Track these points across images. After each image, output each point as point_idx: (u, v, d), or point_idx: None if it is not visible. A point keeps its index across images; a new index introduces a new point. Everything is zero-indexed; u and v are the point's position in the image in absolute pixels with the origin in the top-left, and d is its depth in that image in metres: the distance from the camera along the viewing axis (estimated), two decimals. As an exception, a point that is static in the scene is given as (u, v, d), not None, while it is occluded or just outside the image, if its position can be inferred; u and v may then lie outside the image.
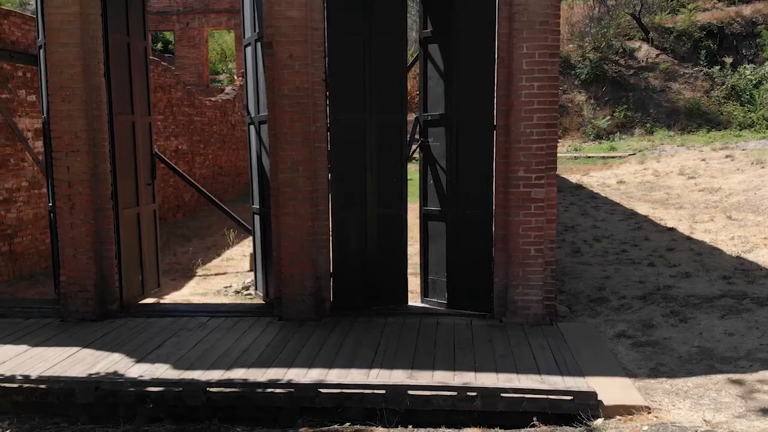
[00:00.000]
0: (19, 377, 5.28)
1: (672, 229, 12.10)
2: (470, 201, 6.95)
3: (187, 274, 10.29)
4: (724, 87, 25.64)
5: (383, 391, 5.03)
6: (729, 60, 25.72)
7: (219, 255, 12.06)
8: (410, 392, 4.99)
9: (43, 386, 5.23)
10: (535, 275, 6.62)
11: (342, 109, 6.95)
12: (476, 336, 6.33)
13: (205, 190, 10.76)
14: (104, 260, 7.16)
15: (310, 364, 5.63)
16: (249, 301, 8.23)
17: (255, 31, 7.27)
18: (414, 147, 7.45)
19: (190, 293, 9.13)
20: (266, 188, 7.41)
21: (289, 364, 5.64)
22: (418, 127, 7.37)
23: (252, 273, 10.58)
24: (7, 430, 5.12)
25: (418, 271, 7.57)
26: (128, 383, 5.19)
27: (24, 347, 6.25)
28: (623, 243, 10.98)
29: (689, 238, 11.32)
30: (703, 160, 19.50)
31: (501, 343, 6.11)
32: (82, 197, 7.00)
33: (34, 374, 5.41)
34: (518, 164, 6.52)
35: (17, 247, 10.00)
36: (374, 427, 4.88)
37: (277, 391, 5.11)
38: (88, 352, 6.06)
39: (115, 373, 5.50)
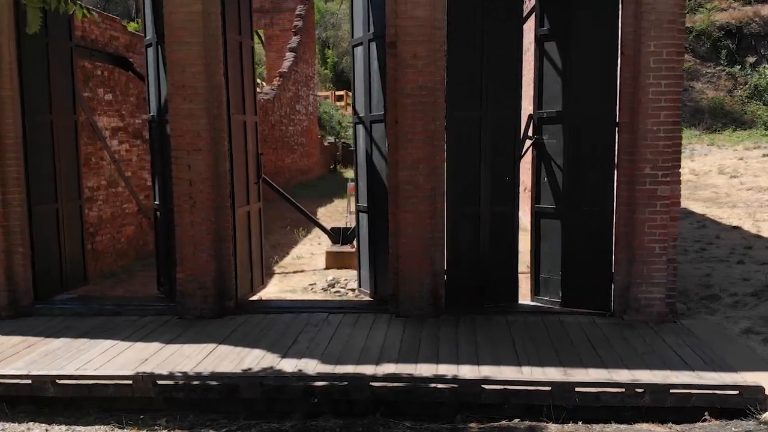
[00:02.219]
0: (179, 374, 5.32)
1: (737, 228, 12.14)
2: (588, 198, 6.98)
3: (266, 272, 10.35)
4: (747, 86, 25.69)
5: (549, 388, 5.08)
6: (751, 60, 25.81)
7: (288, 253, 12.14)
8: (578, 389, 5.03)
9: (206, 383, 5.26)
10: (659, 273, 6.65)
11: (457, 107, 6.99)
12: (608, 334, 6.36)
13: (289, 196, 10.77)
14: (223, 258, 7.21)
15: (456, 361, 5.67)
16: (352, 298, 8.29)
17: (369, 31, 7.30)
18: (527, 144, 7.48)
19: (278, 290, 9.19)
20: (376, 187, 7.46)
21: (435, 360, 5.69)
22: (531, 125, 7.41)
23: (329, 271, 10.69)
24: (165, 428, 5.16)
25: (525, 268, 7.61)
26: (294, 378, 5.24)
27: (157, 344, 6.30)
28: (697, 241, 11.01)
29: (759, 236, 11.36)
30: (741, 159, 19.55)
31: (636, 341, 6.14)
32: (203, 195, 7.05)
33: (190, 371, 5.45)
34: (645, 161, 6.55)
35: (98, 246, 10.07)
36: (547, 423, 4.92)
37: (441, 386, 5.15)
38: (227, 349, 6.10)
39: (269, 368, 5.55)
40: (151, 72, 7.73)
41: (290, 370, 5.49)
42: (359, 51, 7.57)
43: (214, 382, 5.26)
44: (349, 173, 28.92)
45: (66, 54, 8.05)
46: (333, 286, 9.52)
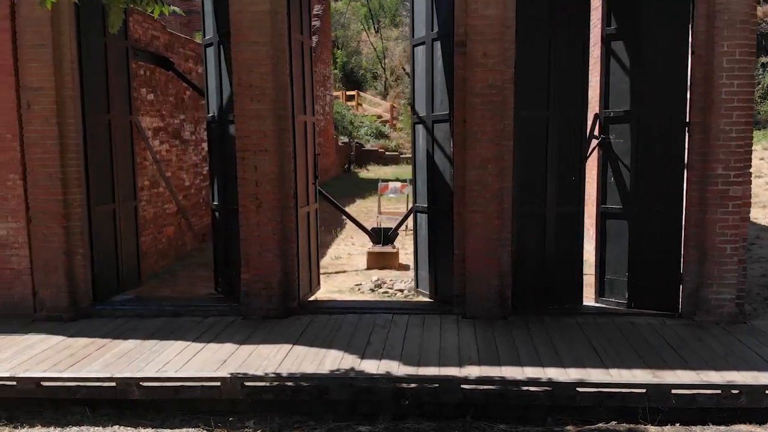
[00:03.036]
0: (272, 375, 5.29)
1: (774, 227, 12.13)
2: (656, 199, 6.95)
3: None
4: (760, 87, 25.71)
5: (644, 390, 5.04)
6: (764, 59, 25.81)
7: (325, 254, 12.08)
8: (674, 391, 5.00)
9: (297, 384, 5.23)
10: (730, 274, 6.62)
11: (524, 107, 6.95)
12: (682, 335, 6.33)
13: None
14: (287, 258, 7.18)
15: (539, 363, 5.63)
16: (403, 299, 8.27)
17: (433, 30, 7.27)
18: (594, 144, 7.45)
19: (325, 291, 9.14)
20: (438, 187, 7.42)
21: (518, 363, 5.65)
22: (597, 124, 7.38)
23: (371, 271, 10.66)
24: (254, 430, 5.12)
25: (587, 269, 7.58)
26: (384, 380, 5.20)
27: (231, 345, 6.26)
28: (740, 241, 10.98)
29: (798, 235, 11.35)
30: (762, 159, 19.52)
31: (713, 342, 6.11)
32: (269, 196, 7.01)
33: (276, 372, 5.41)
34: (717, 162, 6.52)
35: (141, 246, 10.02)
36: (645, 425, 4.89)
37: (534, 389, 5.12)
38: (303, 349, 6.07)
39: (351, 369, 5.51)
40: (211, 72, 7.70)
41: (374, 372, 5.45)
42: (420, 51, 7.54)
43: (304, 383, 5.22)
44: (364, 173, 28.90)
45: (122, 53, 8.02)
46: (380, 286, 9.49)
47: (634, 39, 6.93)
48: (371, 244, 11.47)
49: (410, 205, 14.52)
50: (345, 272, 10.68)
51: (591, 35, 7.18)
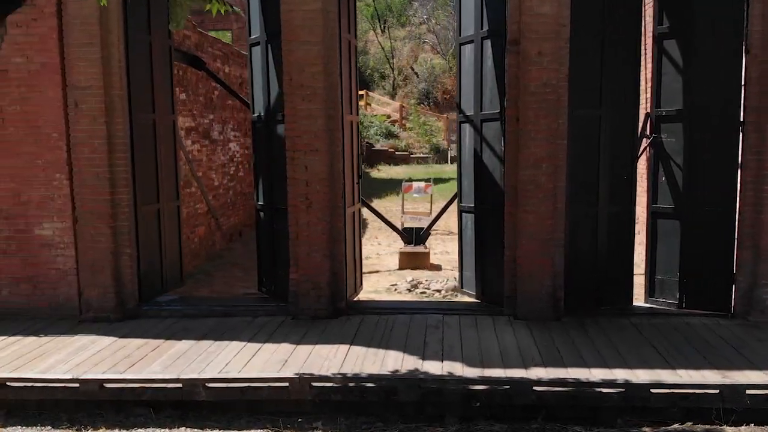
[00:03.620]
0: (339, 376, 5.25)
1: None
2: (708, 198, 6.90)
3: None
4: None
5: (717, 391, 5.00)
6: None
7: (354, 254, 12.01)
8: (749, 391, 4.96)
9: (364, 384, 5.18)
10: (786, 273, 6.58)
11: (578, 105, 6.90)
12: (740, 335, 6.29)
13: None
14: (336, 258, 7.13)
15: (604, 364, 5.59)
16: (450, 299, 8.24)
17: (482, 29, 7.22)
18: (645, 143, 7.41)
19: (363, 291, 9.10)
20: (485, 187, 7.37)
21: (582, 364, 5.60)
22: (648, 123, 7.33)
23: (404, 271, 10.62)
24: (326, 431, 5.08)
25: (634, 269, 7.53)
26: (453, 381, 5.16)
27: (288, 345, 6.22)
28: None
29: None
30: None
31: (775, 342, 6.08)
32: (319, 196, 6.97)
33: (340, 373, 5.36)
34: (774, 161, 6.48)
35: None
36: (721, 426, 4.85)
37: (607, 390, 5.08)
38: (361, 350, 6.03)
39: (414, 370, 5.47)
40: (257, 72, 7.65)
41: (438, 373, 5.41)
42: (468, 49, 7.49)
43: (371, 384, 5.18)
44: (375, 173, 28.81)
45: (166, 52, 7.97)
46: (416, 287, 9.46)
47: (687, 38, 6.89)
48: (401, 244, 11.44)
49: (434, 206, 14.53)
50: (378, 272, 10.64)
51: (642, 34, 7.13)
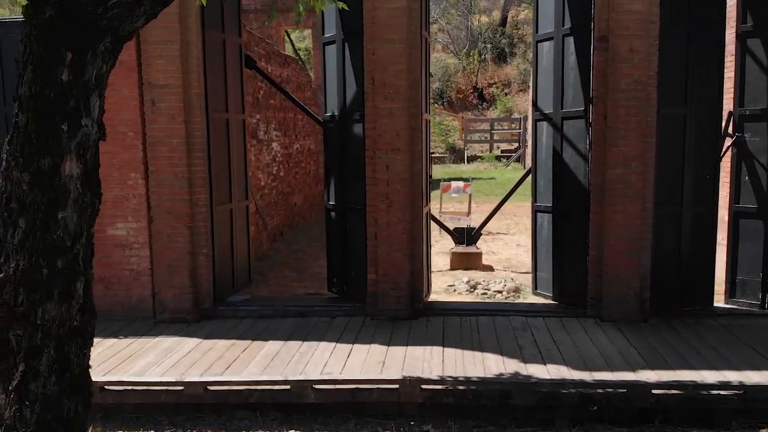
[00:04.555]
0: (450, 378, 5.16)
1: None
2: (796, 198, 6.82)
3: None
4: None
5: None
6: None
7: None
8: None
9: (475, 388, 5.10)
10: None
11: (664, 104, 6.81)
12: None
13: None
14: (415, 258, 7.05)
15: (711, 366, 5.49)
16: (513, 300, 8.16)
17: (564, 26, 7.13)
18: (728, 143, 7.31)
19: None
20: (565, 186, 7.28)
21: (688, 366, 5.50)
22: (731, 122, 7.24)
23: (457, 272, 10.53)
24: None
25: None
26: (569, 385, 5.07)
27: (379, 346, 6.14)
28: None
29: None
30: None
31: None
32: (400, 195, 6.89)
33: (449, 375, 5.28)
34: None
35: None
36: None
37: (725, 392, 5.00)
38: (456, 352, 5.94)
39: (517, 373, 5.38)
40: (331, 70, 7.57)
41: (545, 376, 5.32)
42: (547, 46, 7.40)
43: (484, 387, 5.09)
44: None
45: (237, 51, 7.89)
46: (475, 287, 9.36)
47: (775, 35, 6.80)
48: (447, 243, 11.34)
49: (472, 206, 14.45)
50: (432, 272, 10.55)
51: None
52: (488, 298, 9.24)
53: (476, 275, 10.18)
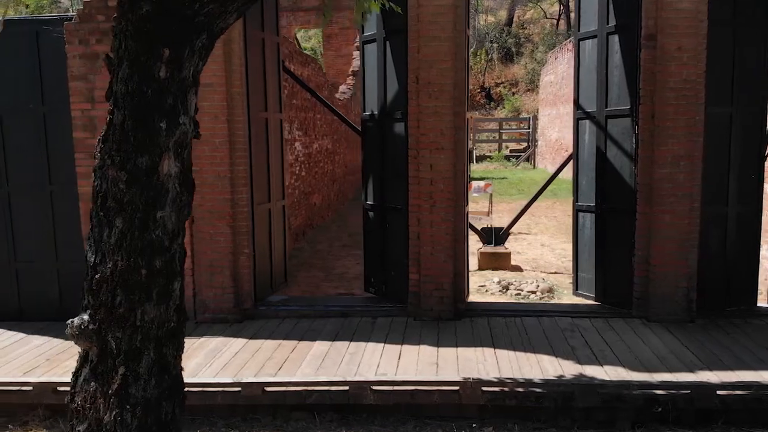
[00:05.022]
0: (508, 380, 5.11)
1: None
2: (844, 197, 6.77)
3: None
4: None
5: None
6: None
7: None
8: None
9: (537, 390, 5.05)
10: None
11: (710, 102, 6.75)
12: None
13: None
14: (458, 258, 7.00)
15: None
16: (547, 301, 8.13)
17: (608, 24, 7.07)
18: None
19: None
20: (609, 185, 7.22)
21: (745, 366, 5.46)
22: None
23: (485, 272, 10.47)
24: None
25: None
26: (634, 386, 5.02)
27: (428, 347, 6.09)
28: None
29: None
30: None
31: None
32: (444, 195, 6.84)
33: (510, 378, 5.22)
34: None
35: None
36: None
37: (793, 394, 4.94)
38: (509, 354, 5.88)
39: (578, 375, 5.33)
40: (371, 69, 7.51)
41: (605, 377, 5.27)
42: (590, 44, 7.35)
43: (547, 390, 5.04)
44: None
45: (275, 50, 7.84)
46: (507, 288, 9.32)
47: (823, 33, 6.75)
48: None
49: (493, 205, 14.39)
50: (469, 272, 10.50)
51: None
52: (522, 298, 9.19)
53: (506, 275, 10.13)
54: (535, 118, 29.83)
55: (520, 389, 5.05)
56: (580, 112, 7.57)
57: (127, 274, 2.87)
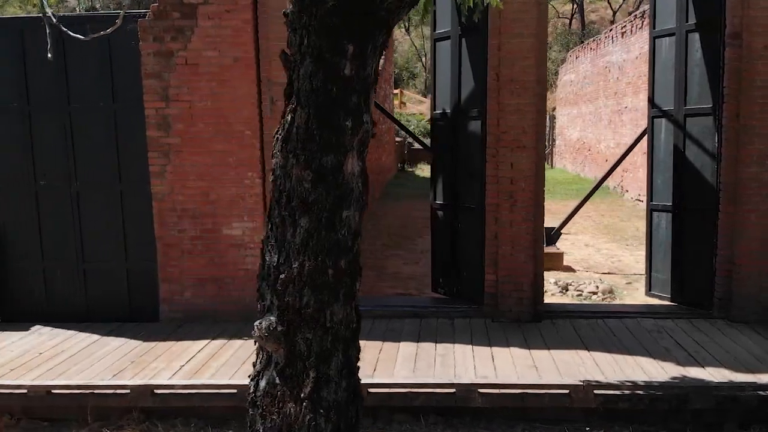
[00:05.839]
0: (621, 383, 5.03)
1: None
2: None
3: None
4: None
5: None
6: None
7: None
8: None
9: (653, 393, 4.97)
10: None
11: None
12: None
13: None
14: (538, 259, 6.92)
15: None
16: (609, 301, 8.10)
17: (688, 21, 7.00)
18: None
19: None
20: (688, 184, 7.14)
21: None
22: None
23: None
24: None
25: None
26: (749, 387, 4.95)
27: (520, 350, 6.01)
28: None
29: None
30: None
31: None
32: (525, 194, 6.77)
33: (628, 380, 5.14)
34: None
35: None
36: None
37: None
38: (606, 356, 5.79)
39: (681, 377, 5.26)
40: (443, 66, 7.44)
41: (712, 379, 5.19)
42: (667, 42, 7.27)
43: (661, 392, 4.97)
44: (419, 172, 28.66)
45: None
46: (566, 288, 9.29)
47: None
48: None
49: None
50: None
51: None
52: (584, 299, 9.13)
53: (560, 276, 10.07)
54: (552, 117, 29.74)
55: (635, 391, 4.97)
56: (656, 111, 7.49)
57: (315, 274, 2.79)
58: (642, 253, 12.17)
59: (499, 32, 6.62)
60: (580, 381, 5.06)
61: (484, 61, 6.79)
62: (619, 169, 21.57)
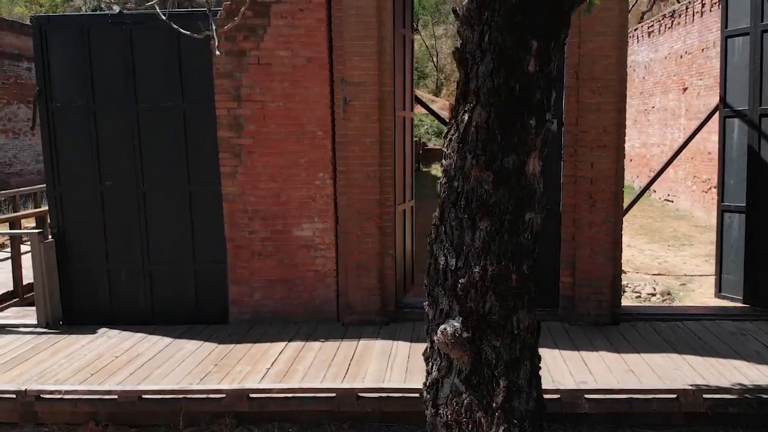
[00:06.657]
0: (737, 387, 4.94)
1: None
2: None
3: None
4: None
5: None
6: None
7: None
8: None
9: (763, 396, 4.88)
10: None
11: None
12: None
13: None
14: (617, 261, 6.82)
15: None
16: (669, 303, 8.03)
17: (763, 21, 6.90)
18: None
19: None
20: (762, 185, 7.04)
21: None
22: None
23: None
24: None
25: None
26: None
27: (609, 354, 5.90)
28: None
29: None
30: None
31: None
32: (605, 195, 6.67)
33: (739, 384, 5.04)
34: None
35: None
36: None
37: None
38: (697, 360, 5.69)
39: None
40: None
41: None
42: (740, 42, 7.14)
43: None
44: (435, 172, 28.57)
45: (411, 46, 7.67)
46: (623, 290, 9.21)
47: None
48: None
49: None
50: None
51: None
52: (643, 300, 9.06)
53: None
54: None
55: (744, 395, 4.87)
56: (728, 111, 7.39)
57: (498, 279, 2.70)
58: (687, 254, 12.16)
59: (578, 30, 6.52)
60: (690, 385, 4.96)
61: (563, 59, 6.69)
62: (645, 169, 21.54)
